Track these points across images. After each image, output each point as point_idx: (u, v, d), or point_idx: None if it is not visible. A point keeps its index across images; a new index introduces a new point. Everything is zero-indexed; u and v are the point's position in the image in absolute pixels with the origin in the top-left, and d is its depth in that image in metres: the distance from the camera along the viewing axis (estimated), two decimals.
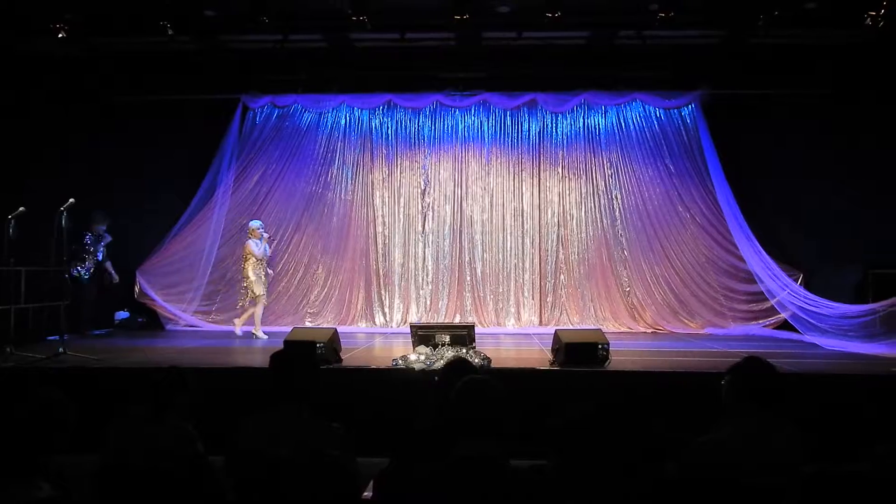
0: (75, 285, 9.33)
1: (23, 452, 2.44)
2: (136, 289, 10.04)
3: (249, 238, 9.33)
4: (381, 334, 9.89)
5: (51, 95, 10.38)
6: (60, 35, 9.03)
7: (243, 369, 6.37)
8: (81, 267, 9.54)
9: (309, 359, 3.47)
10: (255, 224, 9.46)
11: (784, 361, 6.89)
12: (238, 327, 9.35)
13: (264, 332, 9.17)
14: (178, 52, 9.95)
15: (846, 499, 2.33)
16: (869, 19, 8.43)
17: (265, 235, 9.47)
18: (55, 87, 10.37)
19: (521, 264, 10.98)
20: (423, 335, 6.94)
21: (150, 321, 10.27)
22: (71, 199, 7.10)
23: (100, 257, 9.71)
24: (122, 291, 10.18)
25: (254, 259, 9.22)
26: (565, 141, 11.07)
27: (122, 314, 10.32)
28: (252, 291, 9.23)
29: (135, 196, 10.57)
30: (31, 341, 8.00)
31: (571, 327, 9.82)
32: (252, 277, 9.20)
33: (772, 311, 9.93)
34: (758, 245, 9.80)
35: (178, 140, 10.65)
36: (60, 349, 6.85)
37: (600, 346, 6.34)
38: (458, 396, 2.58)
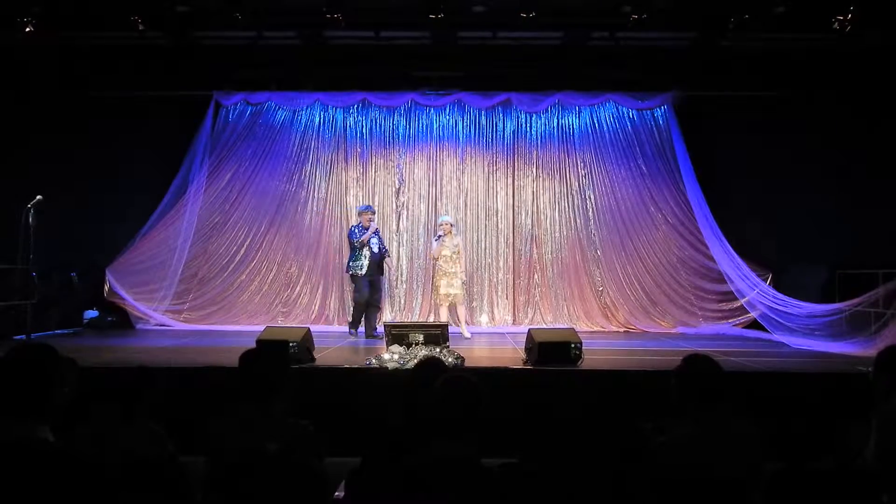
0: (358, 283, 9.00)
1: None
2: (106, 287, 9.84)
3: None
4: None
5: (19, 92, 10.15)
6: (28, 29, 8.86)
7: (214, 368, 6.30)
8: (356, 263, 8.99)
9: (279, 357, 3.43)
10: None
11: (752, 360, 7.02)
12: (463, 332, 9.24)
13: (242, 330, 9.05)
14: (149, 48, 9.82)
15: (811, 495, 2.38)
16: (836, 23, 8.60)
17: (445, 231, 9.17)
18: (24, 83, 10.14)
19: (494, 263, 11.01)
20: (396, 334, 6.93)
21: (120, 320, 10.09)
22: (38, 196, 6.98)
23: (376, 250, 9.14)
24: (92, 290, 10.02)
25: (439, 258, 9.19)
26: (539, 141, 11.12)
27: (91, 313, 10.13)
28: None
29: (105, 194, 10.38)
30: None
31: (545, 326, 9.88)
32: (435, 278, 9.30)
33: (741, 310, 10.04)
34: (728, 245, 9.92)
35: (149, 137, 10.50)
36: None
37: (573, 346, 6.37)
38: (440, 394, 2.56)
